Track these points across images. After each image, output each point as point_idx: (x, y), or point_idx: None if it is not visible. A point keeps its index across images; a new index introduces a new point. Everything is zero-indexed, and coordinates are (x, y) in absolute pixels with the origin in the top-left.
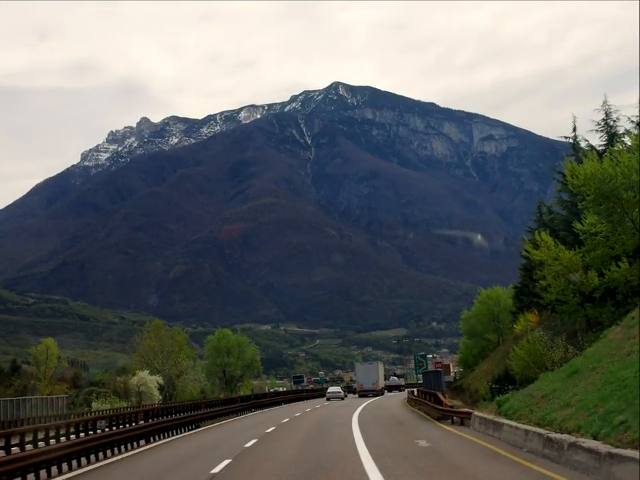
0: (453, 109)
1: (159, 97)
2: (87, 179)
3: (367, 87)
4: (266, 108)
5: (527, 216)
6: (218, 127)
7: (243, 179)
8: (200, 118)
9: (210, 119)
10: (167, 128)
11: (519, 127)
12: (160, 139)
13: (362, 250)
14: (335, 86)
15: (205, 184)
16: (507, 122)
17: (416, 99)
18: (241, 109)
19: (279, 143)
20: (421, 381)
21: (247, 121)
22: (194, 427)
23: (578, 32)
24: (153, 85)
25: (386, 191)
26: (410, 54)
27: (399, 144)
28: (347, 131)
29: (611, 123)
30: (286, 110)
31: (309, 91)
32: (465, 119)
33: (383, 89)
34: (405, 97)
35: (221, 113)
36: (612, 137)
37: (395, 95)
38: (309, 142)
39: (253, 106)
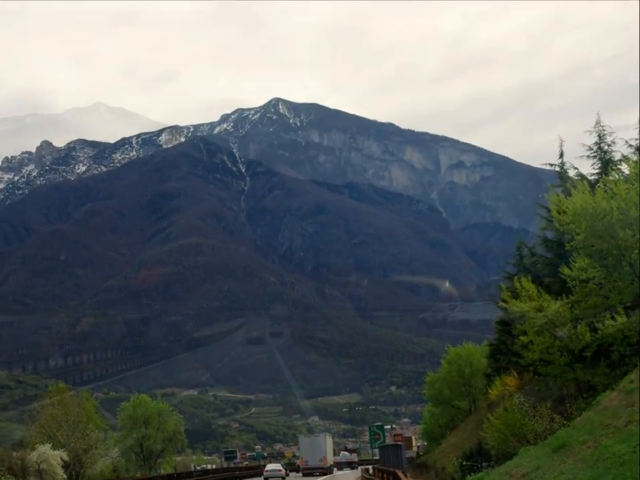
0: (416, 130)
1: (63, 117)
2: None
3: (312, 104)
4: (191, 130)
5: (505, 259)
6: (134, 153)
7: (163, 214)
8: (112, 142)
9: (124, 142)
10: (73, 153)
11: (495, 152)
12: (64, 167)
13: (307, 299)
14: (274, 103)
15: (118, 220)
16: (481, 146)
17: (371, 118)
18: (162, 130)
19: (207, 172)
20: (377, 457)
21: (169, 145)
22: None
23: (565, 38)
24: (56, 101)
25: (335, 229)
26: (364, 65)
27: (351, 173)
28: (289, 157)
29: (605, 147)
30: (215, 132)
31: (244, 109)
32: (430, 143)
33: (331, 107)
34: (358, 117)
35: (138, 136)
36: (606, 164)
37: (346, 114)
38: (243, 170)
39: (175, 127)
